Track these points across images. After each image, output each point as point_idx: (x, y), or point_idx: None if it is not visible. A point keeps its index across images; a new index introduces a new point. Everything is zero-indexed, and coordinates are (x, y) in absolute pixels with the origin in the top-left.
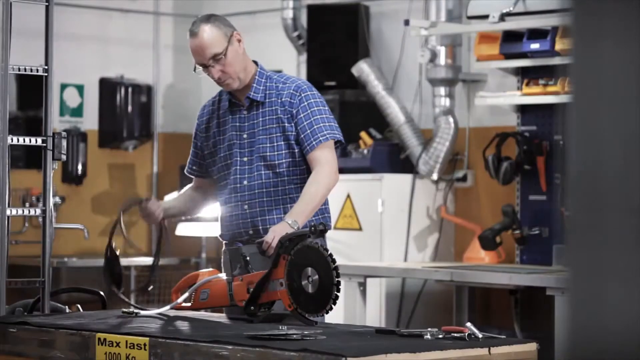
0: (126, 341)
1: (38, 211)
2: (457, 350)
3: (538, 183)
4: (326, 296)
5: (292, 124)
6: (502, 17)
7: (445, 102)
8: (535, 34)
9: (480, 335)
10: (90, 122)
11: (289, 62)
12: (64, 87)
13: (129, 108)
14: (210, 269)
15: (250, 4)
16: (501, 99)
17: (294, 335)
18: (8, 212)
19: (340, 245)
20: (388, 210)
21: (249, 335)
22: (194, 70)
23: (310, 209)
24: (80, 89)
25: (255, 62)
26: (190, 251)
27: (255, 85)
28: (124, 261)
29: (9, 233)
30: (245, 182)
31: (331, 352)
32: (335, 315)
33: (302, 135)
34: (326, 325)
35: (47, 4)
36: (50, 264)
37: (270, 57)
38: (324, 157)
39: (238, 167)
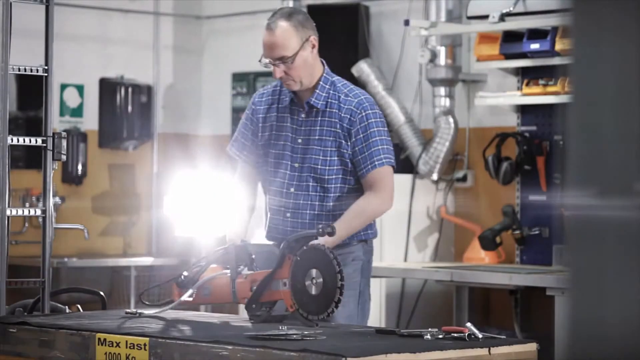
0: (126, 341)
1: (38, 211)
2: (457, 351)
3: (538, 183)
4: (329, 299)
5: (349, 143)
6: (502, 17)
7: (445, 102)
8: (535, 34)
9: (480, 335)
10: (90, 122)
11: None
12: (64, 87)
13: (129, 108)
14: (214, 265)
15: (250, 4)
16: (501, 99)
17: (294, 335)
18: (8, 212)
19: None
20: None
21: (249, 335)
22: (260, 60)
23: (347, 227)
24: (80, 89)
25: (323, 64)
26: (190, 251)
27: (317, 91)
28: (123, 261)
29: (9, 233)
30: (292, 190)
31: (331, 352)
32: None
33: (359, 157)
34: (326, 325)
35: (47, 4)
36: (50, 264)
37: None
38: (381, 183)
39: (288, 172)
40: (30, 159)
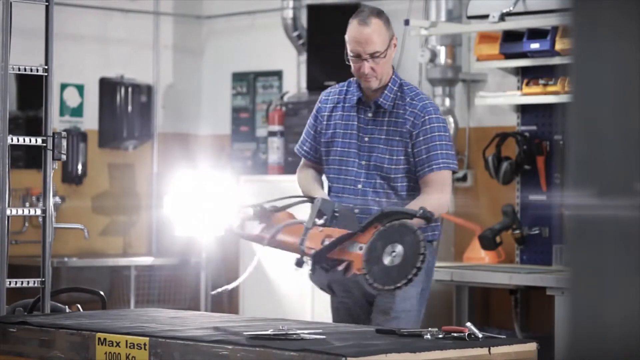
0: (126, 341)
1: (38, 211)
2: (457, 350)
3: (538, 183)
4: (401, 275)
5: (411, 144)
6: (502, 17)
7: (445, 102)
8: (535, 33)
9: (480, 335)
10: (90, 122)
11: (289, 62)
12: (64, 87)
13: (129, 108)
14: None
15: (250, 4)
16: (501, 99)
17: (294, 335)
18: (8, 212)
19: None
20: None
21: (249, 335)
22: (345, 56)
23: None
24: (80, 89)
25: (392, 66)
26: (190, 251)
27: (386, 92)
28: (123, 261)
29: (9, 233)
30: (359, 186)
31: (331, 352)
32: None
33: (418, 159)
34: (326, 325)
35: (47, 4)
36: (50, 264)
37: (270, 57)
38: (438, 185)
39: (355, 169)
40: (30, 158)
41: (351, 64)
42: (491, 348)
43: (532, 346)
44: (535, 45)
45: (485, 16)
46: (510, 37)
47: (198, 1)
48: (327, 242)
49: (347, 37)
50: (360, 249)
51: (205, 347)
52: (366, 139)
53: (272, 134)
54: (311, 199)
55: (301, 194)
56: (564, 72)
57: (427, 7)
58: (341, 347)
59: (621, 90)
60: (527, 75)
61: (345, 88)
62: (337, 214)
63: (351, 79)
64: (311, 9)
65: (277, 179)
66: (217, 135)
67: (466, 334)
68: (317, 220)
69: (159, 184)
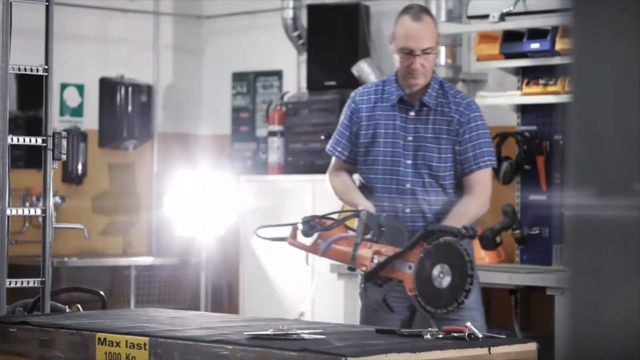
0: (126, 341)
1: (38, 211)
2: (457, 350)
3: (538, 183)
4: (451, 298)
5: (458, 142)
6: (502, 17)
7: None
8: (535, 33)
9: (480, 335)
10: (90, 122)
11: (289, 62)
12: (64, 87)
13: (129, 108)
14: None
15: (250, 4)
16: (501, 98)
17: (294, 335)
18: (8, 212)
19: None
20: None
21: (249, 335)
22: (396, 53)
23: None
24: (80, 88)
25: None
26: (190, 251)
27: (429, 90)
28: (123, 261)
29: (9, 233)
30: (408, 185)
31: (331, 352)
32: (335, 315)
33: (464, 157)
34: (326, 325)
35: (47, 3)
36: (50, 264)
37: (270, 57)
38: (481, 185)
39: (402, 169)
40: (30, 158)
41: (398, 60)
42: (491, 348)
43: (532, 346)
44: (535, 45)
45: (485, 16)
46: (510, 37)
47: (198, 1)
48: (376, 259)
49: (396, 33)
50: (410, 267)
51: (205, 347)
52: (410, 137)
53: (272, 134)
54: (356, 212)
55: (340, 199)
56: (564, 72)
57: (427, 7)
58: (341, 347)
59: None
60: (527, 75)
61: (380, 87)
62: (383, 229)
63: (384, 77)
64: (311, 9)
65: (277, 179)
66: (217, 135)
67: (466, 334)
68: (364, 235)
69: (159, 184)
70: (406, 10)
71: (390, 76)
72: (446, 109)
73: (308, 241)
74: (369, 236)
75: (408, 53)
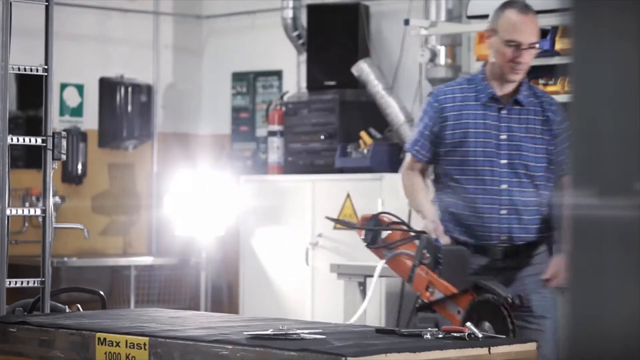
0: (126, 341)
1: (38, 211)
2: (457, 350)
3: None
4: None
5: (553, 142)
6: None
7: None
8: None
9: (480, 335)
10: (90, 122)
11: (289, 62)
12: (64, 87)
13: (129, 108)
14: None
15: (250, 3)
16: None
17: (294, 335)
18: (8, 212)
19: (340, 245)
20: (388, 209)
21: (249, 335)
22: (499, 47)
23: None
24: (80, 88)
25: None
26: (190, 251)
27: (522, 88)
28: (123, 261)
29: (9, 233)
30: (503, 186)
31: (331, 352)
32: (335, 315)
33: (560, 158)
34: (326, 325)
35: (47, 3)
36: (50, 264)
37: (270, 56)
38: None
39: (496, 169)
40: (30, 158)
41: (497, 55)
42: (491, 348)
43: (532, 346)
44: None
45: (485, 16)
46: None
47: (198, 1)
48: (430, 290)
49: (499, 26)
50: (459, 312)
51: (205, 347)
52: (503, 136)
53: (272, 133)
54: (417, 234)
55: (409, 202)
56: (564, 72)
57: (427, 7)
58: (341, 347)
59: (621, 90)
60: (527, 75)
61: (465, 86)
62: (440, 260)
63: (466, 75)
64: (311, 9)
65: (277, 178)
66: (217, 135)
67: (466, 333)
68: (422, 259)
69: (159, 184)
70: (510, 4)
71: (475, 74)
72: (538, 108)
73: (375, 244)
74: (426, 261)
75: (515, 46)
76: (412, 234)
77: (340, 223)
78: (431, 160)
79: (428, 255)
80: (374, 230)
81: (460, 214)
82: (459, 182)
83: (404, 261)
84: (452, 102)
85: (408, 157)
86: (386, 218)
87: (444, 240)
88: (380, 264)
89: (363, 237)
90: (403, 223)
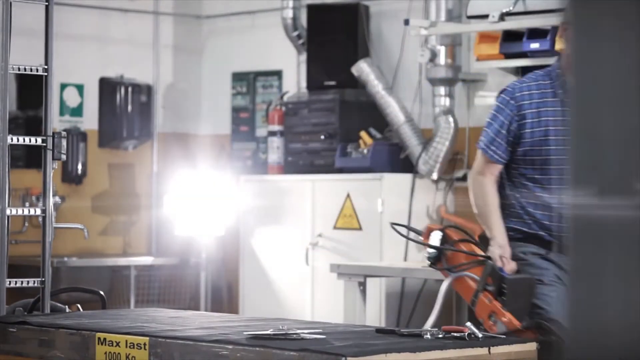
0: (126, 341)
1: (38, 211)
2: (457, 350)
3: None
4: None
5: None
6: (502, 16)
7: (445, 101)
8: (535, 33)
9: (480, 335)
10: (90, 121)
11: (289, 61)
12: (64, 87)
13: (129, 108)
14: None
15: (250, 3)
16: None
17: (294, 335)
18: (8, 212)
19: (340, 245)
20: (388, 209)
21: (249, 335)
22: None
23: None
24: (80, 88)
25: None
26: (190, 251)
27: None
28: (123, 261)
29: (9, 233)
30: None
31: (331, 352)
32: (335, 315)
33: None
34: (326, 325)
35: (47, 3)
36: (50, 264)
37: (270, 56)
38: None
39: None
40: (30, 158)
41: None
42: (491, 348)
43: (532, 346)
44: (535, 45)
45: (485, 16)
46: (510, 37)
47: (198, 1)
48: (492, 320)
49: None
50: None
51: (205, 347)
52: None
53: (272, 133)
54: (483, 259)
55: (476, 214)
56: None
57: (427, 7)
58: (341, 347)
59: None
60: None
61: (541, 82)
62: (504, 290)
63: (539, 71)
64: (311, 8)
65: (277, 178)
66: (217, 135)
67: (466, 333)
68: (487, 285)
69: (159, 184)
70: None
71: (550, 69)
72: None
73: (440, 263)
74: (490, 288)
75: None
76: (478, 257)
77: (409, 229)
78: (507, 162)
79: (492, 281)
80: (440, 249)
81: (538, 214)
82: (539, 182)
83: (469, 283)
84: (529, 100)
85: (480, 159)
86: (454, 233)
87: (510, 267)
88: (445, 284)
89: (427, 254)
90: (471, 240)
